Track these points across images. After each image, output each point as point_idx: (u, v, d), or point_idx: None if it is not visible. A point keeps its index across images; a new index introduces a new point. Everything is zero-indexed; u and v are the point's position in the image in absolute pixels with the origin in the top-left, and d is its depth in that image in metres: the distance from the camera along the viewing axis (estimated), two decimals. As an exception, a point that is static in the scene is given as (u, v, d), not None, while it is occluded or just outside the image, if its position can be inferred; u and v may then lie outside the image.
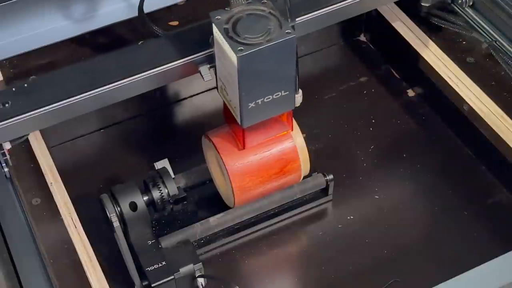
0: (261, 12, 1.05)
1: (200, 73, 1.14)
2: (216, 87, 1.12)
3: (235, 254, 1.20)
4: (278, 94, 1.06)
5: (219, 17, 1.04)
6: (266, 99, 1.06)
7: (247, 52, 1.00)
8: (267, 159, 1.15)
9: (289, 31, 1.02)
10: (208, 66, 1.14)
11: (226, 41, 1.02)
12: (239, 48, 1.00)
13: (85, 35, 1.36)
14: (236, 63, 1.00)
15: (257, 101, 1.06)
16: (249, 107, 1.06)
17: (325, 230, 1.22)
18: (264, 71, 1.03)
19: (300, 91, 1.11)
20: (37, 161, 1.21)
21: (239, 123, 1.08)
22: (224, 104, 1.12)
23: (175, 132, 1.37)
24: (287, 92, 1.07)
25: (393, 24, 1.39)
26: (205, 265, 1.12)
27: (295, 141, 1.16)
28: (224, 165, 1.14)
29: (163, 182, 1.14)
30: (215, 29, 1.04)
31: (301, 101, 1.12)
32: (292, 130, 1.15)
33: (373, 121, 1.36)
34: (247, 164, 1.14)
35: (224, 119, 1.16)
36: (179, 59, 1.14)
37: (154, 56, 1.15)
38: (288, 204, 1.23)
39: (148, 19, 1.25)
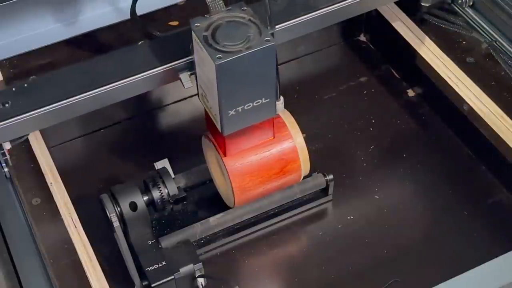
0: (241, 19, 1.04)
1: (181, 80, 1.14)
2: (197, 94, 1.12)
3: (235, 254, 1.20)
4: (259, 102, 1.06)
5: (199, 24, 1.04)
6: (247, 106, 1.05)
7: (225, 60, 0.99)
8: (268, 159, 1.15)
9: (268, 38, 1.01)
10: (189, 73, 1.14)
11: (205, 48, 1.01)
12: (218, 55, 1.00)
13: (85, 35, 1.36)
14: (215, 70, 1.00)
15: (237, 108, 1.05)
16: (229, 114, 1.05)
17: (325, 230, 1.22)
18: (244, 79, 1.03)
19: (282, 98, 1.10)
20: (37, 161, 1.21)
21: (220, 131, 1.08)
22: (205, 111, 1.12)
23: (175, 132, 1.37)
24: (268, 100, 1.07)
25: (393, 24, 1.39)
26: (205, 265, 1.12)
27: (295, 141, 1.16)
28: (224, 165, 1.14)
29: (163, 182, 1.14)
30: (194, 37, 1.03)
31: (282, 108, 1.11)
32: (274, 137, 1.15)
33: (373, 121, 1.36)
34: (247, 164, 1.14)
35: (206, 126, 1.15)
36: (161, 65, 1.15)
37: (155, 56, 1.15)
38: (288, 204, 1.23)
39: (141, 21, 1.24)
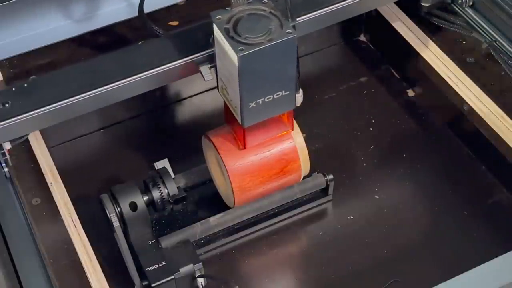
0: (262, 12, 1.05)
1: (201, 73, 1.14)
2: (217, 87, 1.12)
3: (235, 254, 1.20)
4: (279, 94, 1.07)
5: (220, 17, 1.04)
6: (267, 98, 1.06)
7: (247, 52, 1.00)
8: (268, 159, 1.15)
9: (290, 31, 1.02)
10: (209, 66, 1.14)
11: (227, 41, 1.02)
12: (240, 48, 1.00)
13: (85, 35, 1.36)
14: (236, 63, 1.00)
15: (257, 100, 1.06)
16: (250, 106, 1.06)
17: (325, 230, 1.22)
18: (265, 71, 1.03)
19: (301, 90, 1.11)
20: (37, 161, 1.21)
21: (240, 123, 1.08)
22: (225, 104, 1.12)
23: (175, 132, 1.37)
24: (288, 92, 1.07)
25: (393, 24, 1.39)
26: (205, 265, 1.12)
27: (295, 141, 1.16)
28: (224, 165, 1.14)
29: (163, 182, 1.14)
30: (215, 29, 1.04)
31: (301, 100, 1.12)
32: (292, 129, 1.15)
33: (373, 121, 1.36)
34: (247, 164, 1.14)
35: (224, 119, 1.16)
36: (179, 59, 1.14)
37: (155, 56, 1.15)
38: (288, 204, 1.23)
39: (148, 19, 1.25)
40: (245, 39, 1.01)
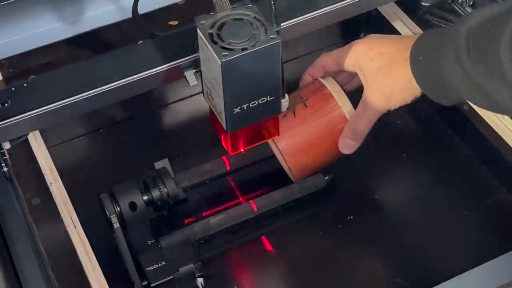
0: (246, 17, 1.04)
1: (186, 78, 1.14)
2: (202, 92, 1.12)
3: (235, 254, 1.20)
4: (264, 100, 1.06)
5: (204, 21, 1.04)
6: (252, 104, 1.05)
7: (231, 57, 0.99)
8: (318, 132, 1.15)
9: (274, 36, 1.01)
10: (194, 70, 1.14)
11: (211, 46, 1.01)
12: (224, 53, 1.00)
13: (85, 35, 1.36)
14: (220, 68, 1.00)
15: (242, 106, 1.05)
16: (234, 112, 1.05)
17: (325, 230, 1.22)
18: (249, 77, 1.02)
19: (287, 96, 1.10)
20: (36, 161, 1.21)
21: (225, 129, 1.08)
22: (210, 109, 1.12)
23: (175, 132, 1.37)
24: (273, 98, 1.06)
25: (393, 24, 1.39)
26: (205, 265, 1.12)
27: (344, 110, 1.15)
28: (278, 147, 1.14)
29: (163, 182, 1.14)
30: (199, 34, 1.03)
31: (287, 106, 1.11)
32: (278, 135, 1.15)
33: (373, 121, 1.35)
34: (299, 142, 1.14)
35: (210, 124, 1.15)
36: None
37: (153, 56, 1.15)
38: (288, 204, 1.23)
39: (144, 20, 1.24)
40: (228, 45, 1.01)
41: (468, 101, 1.24)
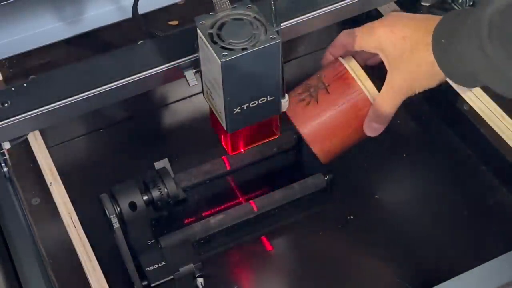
0: (246, 17, 1.04)
1: (186, 78, 1.14)
2: (202, 92, 1.12)
3: (235, 254, 1.20)
4: (264, 100, 1.06)
5: (204, 21, 1.04)
6: (252, 104, 1.06)
7: (231, 57, 0.99)
8: (343, 118, 1.14)
9: (274, 36, 1.02)
10: (194, 70, 1.14)
11: (211, 46, 1.01)
12: (223, 53, 1.00)
13: (85, 35, 1.36)
14: (220, 68, 1.00)
15: (242, 106, 1.05)
16: (234, 112, 1.05)
17: (325, 230, 1.22)
18: (249, 76, 1.03)
19: (287, 96, 1.10)
20: (36, 161, 1.21)
21: (225, 129, 1.08)
22: (210, 109, 1.12)
23: (175, 132, 1.37)
24: (273, 97, 1.07)
25: (393, 24, 1.39)
26: (205, 265, 1.12)
27: (367, 93, 1.14)
28: (302, 134, 1.14)
29: (163, 182, 1.14)
30: (199, 34, 1.03)
31: (287, 106, 1.11)
32: (279, 135, 1.14)
33: (373, 121, 1.35)
34: (323, 128, 1.14)
35: (211, 124, 1.15)
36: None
37: (153, 56, 1.16)
38: (288, 204, 1.23)
39: (143, 20, 1.24)
40: (228, 45, 1.01)
41: (488, 85, 1.23)
